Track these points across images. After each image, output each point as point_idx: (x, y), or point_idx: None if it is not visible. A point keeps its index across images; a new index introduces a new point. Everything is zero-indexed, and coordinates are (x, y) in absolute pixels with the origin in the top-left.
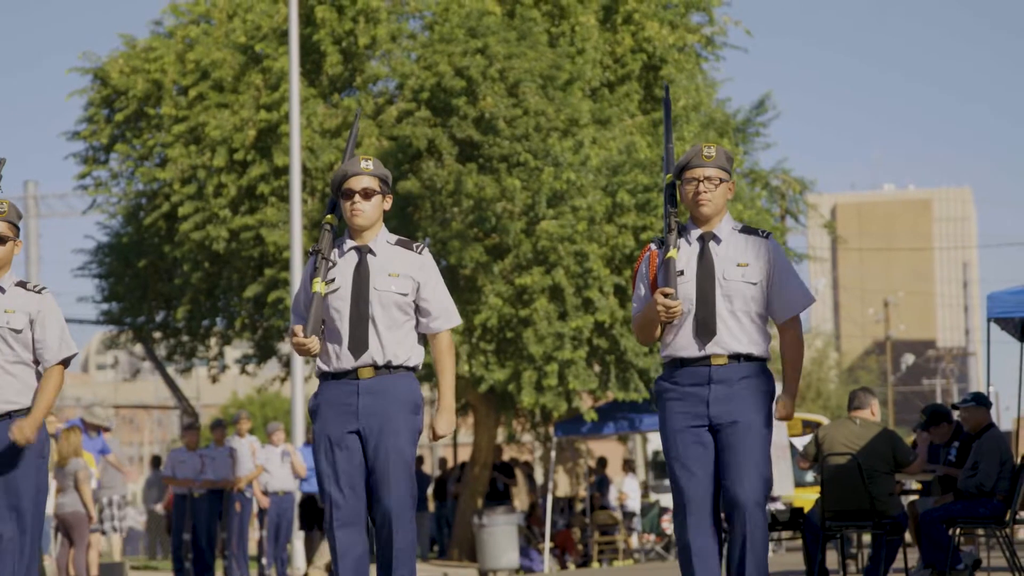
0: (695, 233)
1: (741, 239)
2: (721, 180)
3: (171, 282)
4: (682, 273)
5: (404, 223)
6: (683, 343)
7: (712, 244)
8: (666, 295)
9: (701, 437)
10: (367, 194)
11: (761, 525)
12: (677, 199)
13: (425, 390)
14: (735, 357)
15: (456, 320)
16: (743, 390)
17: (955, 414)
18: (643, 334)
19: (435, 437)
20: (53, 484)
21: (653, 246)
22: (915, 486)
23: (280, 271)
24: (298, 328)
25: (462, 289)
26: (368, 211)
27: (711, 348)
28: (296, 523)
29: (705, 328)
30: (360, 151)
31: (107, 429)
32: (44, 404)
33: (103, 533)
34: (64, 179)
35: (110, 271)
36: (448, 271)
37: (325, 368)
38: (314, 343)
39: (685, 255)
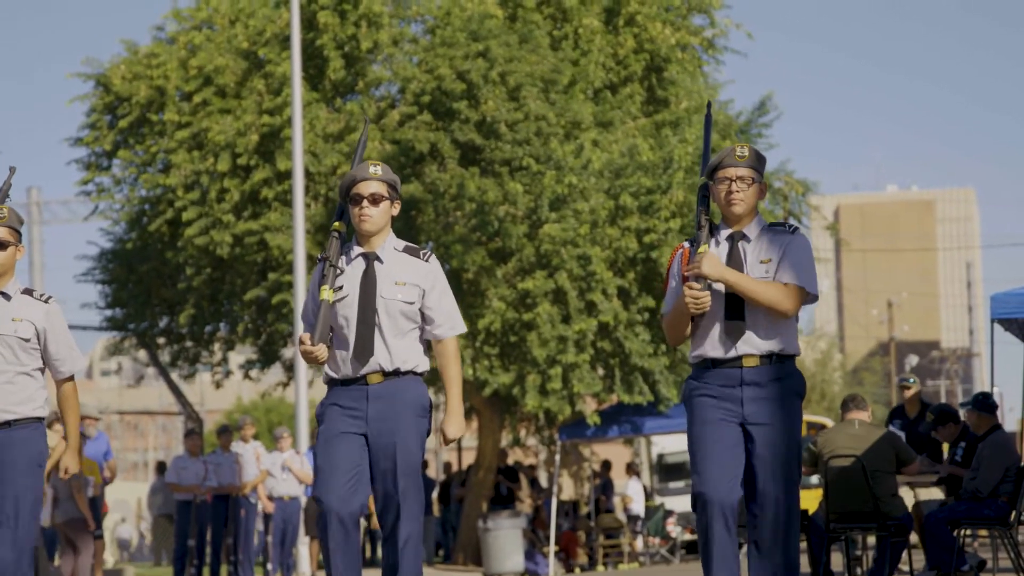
0: (725, 233)
1: (769, 236)
2: (753, 180)
3: (174, 287)
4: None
5: (406, 227)
6: (713, 343)
7: (742, 243)
8: (693, 288)
9: (733, 431)
10: (375, 200)
11: (792, 526)
12: (709, 200)
13: (432, 394)
14: (767, 357)
15: (461, 328)
16: (776, 392)
17: (962, 414)
18: (673, 331)
19: (446, 441)
20: (49, 492)
21: (686, 244)
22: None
23: (284, 275)
24: (305, 336)
25: (465, 293)
26: (376, 217)
27: (742, 348)
28: (302, 528)
29: (735, 327)
30: (367, 160)
31: (97, 419)
32: (74, 428)
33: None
34: (67, 185)
35: (113, 277)
36: (451, 275)
37: (333, 375)
38: (321, 351)
39: (715, 254)
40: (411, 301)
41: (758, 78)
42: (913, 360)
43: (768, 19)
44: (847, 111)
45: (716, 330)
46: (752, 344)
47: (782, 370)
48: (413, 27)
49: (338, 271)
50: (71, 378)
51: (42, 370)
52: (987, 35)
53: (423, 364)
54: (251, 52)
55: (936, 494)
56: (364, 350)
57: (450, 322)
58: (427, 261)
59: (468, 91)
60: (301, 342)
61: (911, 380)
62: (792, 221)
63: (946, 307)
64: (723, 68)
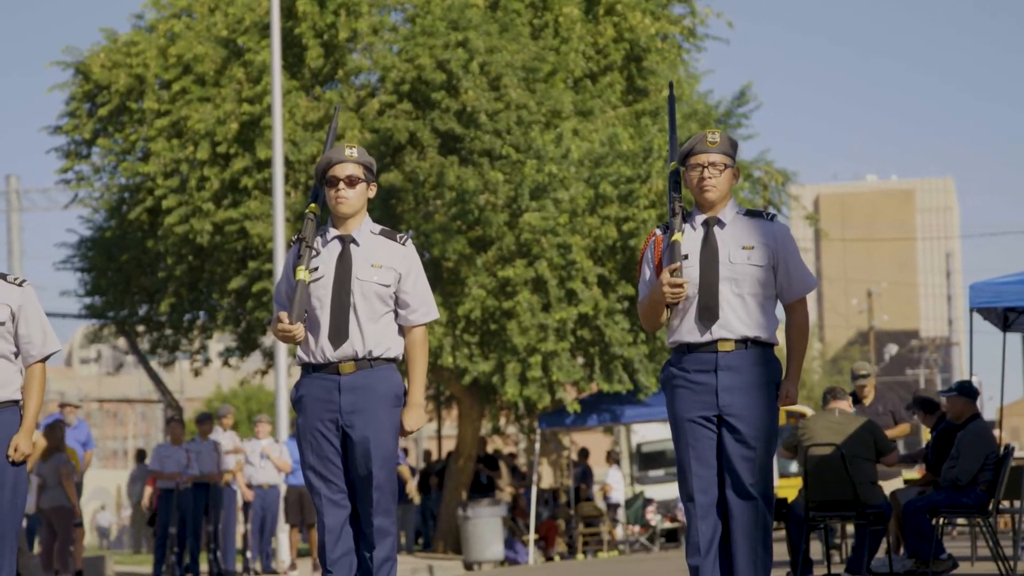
0: (699, 218)
1: (745, 222)
2: (726, 166)
3: (154, 276)
4: (686, 257)
5: (387, 215)
6: (688, 328)
7: (716, 228)
8: (672, 272)
9: (710, 428)
10: (352, 182)
11: (765, 522)
12: (681, 185)
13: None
14: (742, 342)
15: (434, 314)
16: (751, 380)
17: (943, 402)
18: (648, 319)
19: (404, 433)
20: (34, 480)
21: (658, 231)
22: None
23: (264, 263)
24: (283, 315)
25: (445, 281)
26: (352, 199)
27: (718, 332)
28: (281, 516)
29: (708, 312)
30: (342, 143)
31: (77, 406)
32: (34, 410)
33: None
34: (46, 173)
35: (93, 265)
36: (431, 263)
37: (306, 359)
38: (299, 330)
39: (689, 240)
40: (387, 284)
41: (738, 67)
42: (892, 349)
43: (748, 8)
44: (827, 100)
45: (691, 315)
46: (728, 328)
47: (758, 356)
48: (393, 16)
49: (314, 252)
50: (42, 362)
51: (18, 354)
52: (969, 23)
53: (396, 348)
54: (230, 40)
55: (898, 484)
56: (339, 333)
57: (425, 307)
58: (403, 245)
59: (448, 80)
60: (279, 320)
61: (867, 374)
62: (771, 210)
63: (925, 296)
64: (703, 57)
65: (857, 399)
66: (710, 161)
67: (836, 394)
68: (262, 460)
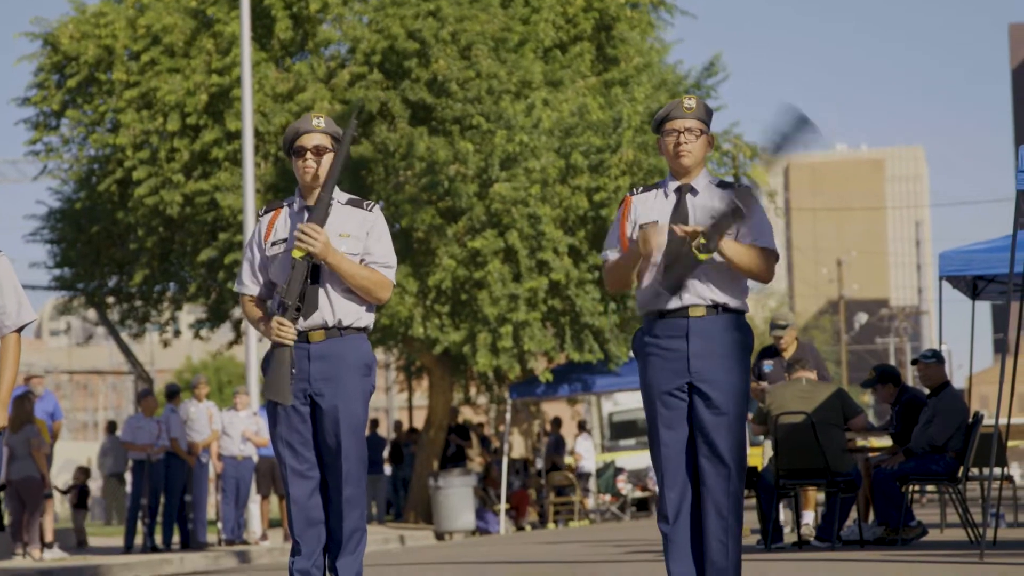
0: (672, 185)
1: (717, 192)
2: (701, 132)
3: (124, 247)
4: (656, 223)
5: (357, 186)
6: (659, 294)
7: (689, 196)
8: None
9: (681, 398)
10: (319, 151)
11: (737, 490)
12: None
13: (379, 353)
14: (713, 307)
15: (392, 275)
16: (722, 347)
17: (913, 370)
18: (616, 277)
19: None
20: (5, 451)
21: (630, 194)
22: (871, 444)
23: (235, 235)
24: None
25: (415, 252)
26: (320, 169)
27: (688, 299)
28: (253, 487)
29: (674, 278)
30: (308, 114)
31: (41, 377)
32: (9, 382)
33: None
34: (15, 145)
35: (62, 236)
36: (401, 234)
37: None
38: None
39: (660, 206)
40: (355, 253)
41: (707, 37)
42: (863, 318)
43: None
44: (797, 69)
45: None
46: (698, 294)
47: (730, 322)
48: None
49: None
50: (17, 332)
51: None
52: None
53: (366, 319)
54: (199, 11)
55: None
56: (309, 303)
57: (385, 268)
58: (370, 211)
59: (419, 50)
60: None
61: (786, 324)
62: (744, 180)
63: (895, 265)
64: (673, 26)
65: (776, 352)
66: (686, 127)
67: (803, 364)
68: (245, 443)
